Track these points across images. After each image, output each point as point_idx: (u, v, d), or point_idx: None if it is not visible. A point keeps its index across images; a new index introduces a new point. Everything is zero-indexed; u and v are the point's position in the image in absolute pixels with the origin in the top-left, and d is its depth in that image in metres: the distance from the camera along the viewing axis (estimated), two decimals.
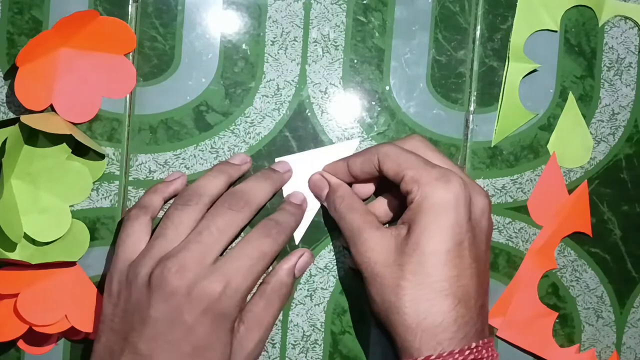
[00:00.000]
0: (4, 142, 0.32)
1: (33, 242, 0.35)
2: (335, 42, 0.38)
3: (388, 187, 0.35)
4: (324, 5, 0.38)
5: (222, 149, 0.37)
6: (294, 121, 0.38)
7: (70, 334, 0.36)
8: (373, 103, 0.38)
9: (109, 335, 0.32)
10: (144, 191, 0.37)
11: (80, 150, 0.36)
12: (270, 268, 0.36)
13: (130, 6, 0.37)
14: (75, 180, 0.35)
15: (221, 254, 0.32)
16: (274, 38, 0.37)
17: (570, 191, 0.39)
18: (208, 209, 0.34)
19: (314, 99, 0.38)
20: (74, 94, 0.35)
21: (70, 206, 0.36)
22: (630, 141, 0.40)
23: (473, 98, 0.39)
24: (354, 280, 0.38)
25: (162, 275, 0.30)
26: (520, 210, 0.39)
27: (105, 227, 0.37)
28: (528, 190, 0.39)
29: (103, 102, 0.36)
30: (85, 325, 0.35)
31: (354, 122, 0.38)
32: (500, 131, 0.39)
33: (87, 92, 0.36)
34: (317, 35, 0.38)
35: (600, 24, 0.39)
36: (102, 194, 0.37)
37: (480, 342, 0.30)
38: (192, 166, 0.37)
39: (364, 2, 0.38)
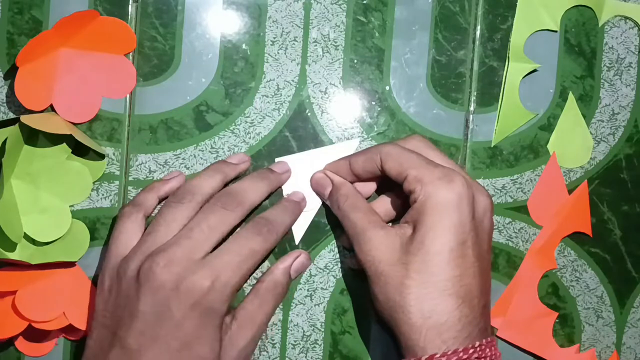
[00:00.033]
0: (4, 142, 0.32)
1: (33, 242, 0.35)
2: (335, 42, 0.38)
3: (389, 186, 0.35)
4: (324, 5, 0.38)
5: (222, 149, 0.37)
6: (294, 121, 0.38)
7: (69, 332, 0.36)
8: (373, 103, 0.38)
9: (100, 330, 0.32)
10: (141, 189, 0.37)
11: (80, 150, 0.36)
12: (267, 266, 0.36)
13: (130, 6, 0.37)
14: (75, 180, 0.35)
15: (212, 251, 0.33)
16: (274, 38, 0.37)
17: (570, 191, 0.39)
18: (201, 208, 0.34)
19: (314, 99, 0.38)
20: (74, 94, 0.35)
21: (70, 206, 0.36)
22: (630, 141, 0.40)
23: (473, 98, 0.39)
24: (354, 280, 0.38)
25: (151, 269, 0.31)
26: (520, 210, 0.39)
27: (105, 227, 0.37)
28: (528, 190, 0.39)
29: (103, 102, 0.36)
30: (84, 322, 0.35)
31: (354, 122, 0.38)
32: (500, 131, 0.39)
33: (87, 92, 0.36)
34: (317, 35, 0.38)
35: (600, 24, 0.39)
36: (102, 194, 0.37)
37: (484, 341, 0.30)
38: (192, 166, 0.37)
39: (364, 2, 0.38)
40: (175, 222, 0.33)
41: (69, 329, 0.36)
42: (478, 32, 0.39)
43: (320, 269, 0.38)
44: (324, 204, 0.37)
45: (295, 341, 0.38)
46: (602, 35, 0.40)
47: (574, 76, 0.39)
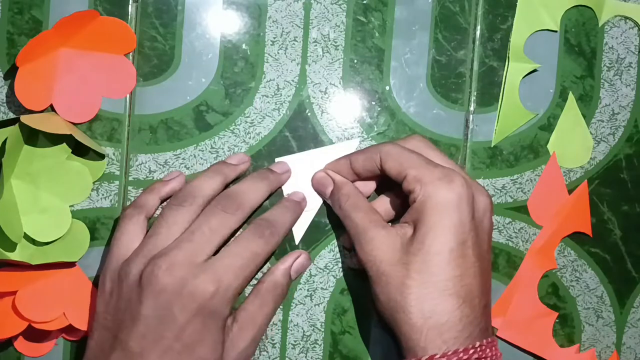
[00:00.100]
0: (4, 142, 0.32)
1: (33, 242, 0.35)
2: (335, 42, 0.38)
3: (389, 185, 0.35)
4: (324, 5, 0.38)
5: (222, 149, 0.37)
6: (294, 121, 0.38)
7: (69, 332, 0.36)
8: (373, 103, 0.38)
9: (101, 333, 0.32)
10: (142, 191, 0.37)
11: (80, 150, 0.36)
12: (268, 267, 0.36)
13: (130, 6, 0.37)
14: (75, 180, 0.35)
15: (214, 254, 0.33)
16: (274, 38, 0.37)
17: (570, 191, 0.39)
18: (203, 210, 0.34)
19: (314, 99, 0.38)
20: (74, 94, 0.35)
21: (70, 206, 0.36)
22: (630, 141, 0.40)
23: (473, 98, 0.39)
24: (354, 280, 0.38)
25: (153, 273, 0.30)
26: (520, 210, 0.39)
27: (105, 227, 0.37)
28: (528, 190, 0.39)
29: (103, 102, 0.36)
30: (84, 323, 0.35)
31: (354, 122, 0.38)
32: (500, 131, 0.39)
33: (87, 92, 0.36)
34: (317, 35, 0.38)
35: (600, 24, 0.39)
36: (102, 194, 0.37)
37: (485, 341, 0.30)
38: (192, 166, 0.37)
39: (364, 2, 0.38)
40: (176, 225, 0.33)
41: (69, 329, 0.36)
42: (478, 32, 0.39)
43: (320, 269, 0.38)
44: (324, 203, 0.37)
45: (295, 341, 0.38)
46: (602, 35, 0.40)
47: (574, 76, 0.39)
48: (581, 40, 0.39)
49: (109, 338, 0.31)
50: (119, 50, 0.36)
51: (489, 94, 0.39)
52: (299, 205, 0.36)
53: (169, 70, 0.37)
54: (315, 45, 0.38)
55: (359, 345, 0.38)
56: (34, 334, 0.36)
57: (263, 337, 0.37)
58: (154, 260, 0.31)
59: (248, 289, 0.36)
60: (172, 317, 0.30)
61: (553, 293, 0.40)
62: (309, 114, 0.38)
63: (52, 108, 0.35)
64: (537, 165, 0.39)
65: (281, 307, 0.37)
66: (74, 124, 0.36)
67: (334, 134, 0.38)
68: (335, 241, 0.38)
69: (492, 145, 0.39)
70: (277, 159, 0.37)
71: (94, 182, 0.36)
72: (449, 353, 0.29)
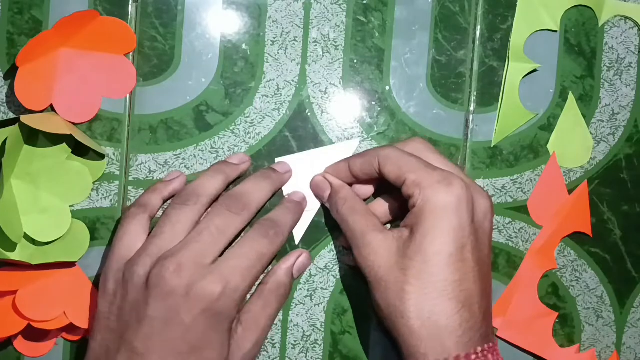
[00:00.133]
0: (4, 142, 0.32)
1: (33, 242, 0.35)
2: (335, 42, 0.38)
3: (388, 187, 0.35)
4: (324, 5, 0.38)
5: (222, 149, 0.37)
6: (294, 121, 0.38)
7: (69, 332, 0.36)
8: (373, 103, 0.38)
9: (105, 334, 0.32)
10: (144, 191, 0.37)
11: (80, 150, 0.36)
12: (270, 267, 0.36)
13: (130, 6, 0.37)
14: (75, 180, 0.35)
15: (220, 255, 0.32)
16: (274, 38, 0.37)
17: (570, 191, 0.39)
18: (206, 209, 0.34)
19: (314, 99, 0.38)
20: (74, 94, 0.35)
21: (70, 206, 0.36)
22: (630, 141, 0.40)
23: (473, 98, 0.39)
24: (354, 280, 0.38)
25: (160, 274, 0.30)
26: (520, 210, 0.39)
27: (105, 227, 0.37)
28: (528, 190, 0.39)
29: (103, 102, 0.36)
30: (84, 322, 0.35)
31: (354, 122, 0.38)
32: (500, 131, 0.39)
33: (87, 92, 0.36)
34: (317, 35, 0.38)
35: (600, 24, 0.39)
36: (102, 194, 0.37)
37: (486, 346, 0.30)
38: (192, 166, 0.37)
39: (364, 2, 0.38)
40: (180, 225, 0.32)
41: (69, 329, 0.36)
42: (478, 32, 0.39)
43: (320, 269, 0.38)
44: (323, 205, 0.37)
45: (295, 341, 0.38)
46: (602, 35, 0.40)
47: (574, 76, 0.39)
48: (581, 40, 0.39)
49: (114, 339, 0.31)
50: (119, 50, 0.36)
51: (489, 94, 0.39)
52: (300, 205, 0.36)
53: (169, 70, 0.37)
54: (315, 45, 0.38)
55: (359, 345, 0.38)
56: (33, 334, 0.36)
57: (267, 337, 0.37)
58: (161, 262, 0.31)
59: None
60: (178, 318, 0.30)
61: (553, 293, 0.40)
62: (309, 114, 0.38)
63: (52, 108, 0.35)
64: (537, 165, 0.39)
65: None
66: (74, 124, 0.36)
67: (334, 134, 0.38)
68: (335, 241, 0.38)
69: (492, 145, 0.39)
70: (277, 159, 0.37)
71: (94, 182, 0.36)
72: (450, 359, 0.29)
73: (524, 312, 0.39)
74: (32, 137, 0.34)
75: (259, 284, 0.35)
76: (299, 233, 0.37)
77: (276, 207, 0.36)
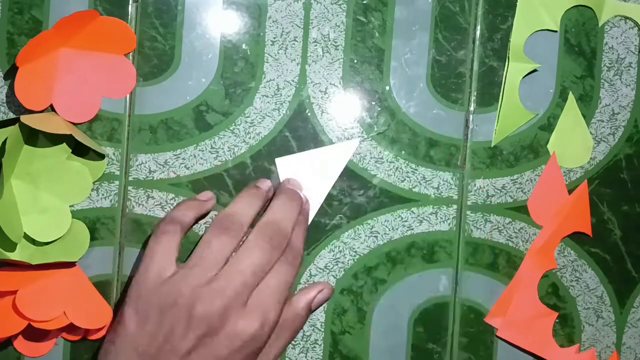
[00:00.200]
0: (4, 142, 0.32)
1: (33, 242, 0.35)
2: (335, 42, 0.38)
3: None
4: (324, 5, 0.38)
5: (222, 149, 0.37)
6: (294, 121, 0.38)
7: (69, 332, 0.36)
8: (373, 103, 0.38)
9: (130, 354, 0.31)
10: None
11: (80, 150, 0.36)
12: None
13: (130, 6, 0.37)
14: (75, 180, 0.35)
15: None
16: (274, 38, 0.37)
17: (570, 191, 0.39)
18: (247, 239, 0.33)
19: (314, 99, 0.38)
20: (74, 94, 0.35)
21: (70, 206, 0.36)
22: (630, 141, 0.40)
23: (473, 98, 0.39)
24: (354, 280, 0.38)
25: (205, 312, 0.30)
26: (520, 210, 0.39)
27: (105, 227, 0.37)
28: (528, 190, 0.39)
29: (103, 102, 0.36)
30: (84, 322, 0.35)
31: (354, 122, 0.38)
32: (500, 131, 0.39)
33: (87, 92, 0.36)
34: (317, 35, 0.38)
35: (600, 24, 0.39)
36: (102, 194, 0.37)
37: None
38: (192, 166, 0.37)
39: (364, 2, 0.38)
40: (222, 255, 0.32)
41: (69, 329, 0.36)
42: (478, 32, 0.39)
43: (320, 269, 0.38)
44: (324, 203, 0.37)
45: (295, 341, 0.38)
46: (602, 35, 0.40)
47: (574, 76, 0.39)
48: (581, 40, 0.39)
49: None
50: (119, 50, 0.36)
51: (489, 94, 0.39)
52: (307, 216, 0.36)
53: (169, 70, 0.37)
54: (315, 45, 0.38)
55: (359, 345, 0.38)
56: (33, 334, 0.36)
57: None
58: (206, 297, 0.31)
59: None
60: (216, 354, 0.30)
61: (553, 293, 0.40)
62: (309, 114, 0.38)
63: (52, 108, 0.35)
64: (537, 165, 0.39)
65: None
66: (74, 124, 0.36)
67: (334, 134, 0.38)
68: (335, 241, 0.38)
69: (492, 145, 0.39)
70: (277, 159, 0.37)
71: (94, 182, 0.37)
72: None
73: (524, 312, 0.39)
74: (32, 137, 0.34)
75: None
76: None
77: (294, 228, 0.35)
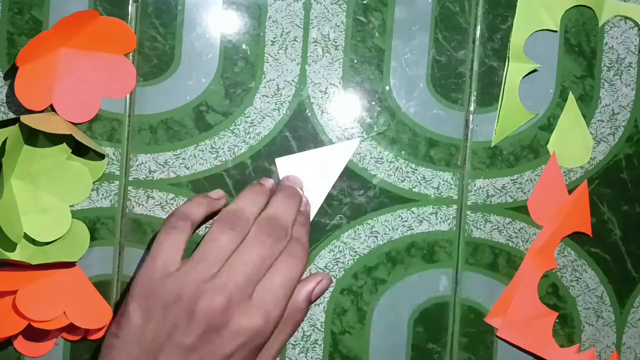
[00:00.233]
0: (4, 142, 0.32)
1: (33, 242, 0.35)
2: (335, 42, 0.38)
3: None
4: (324, 5, 0.38)
5: (222, 149, 0.37)
6: (294, 121, 0.38)
7: (69, 332, 0.36)
8: (373, 103, 0.38)
9: (134, 349, 0.31)
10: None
11: (80, 150, 0.36)
12: None
13: (130, 6, 0.37)
14: (75, 180, 0.35)
15: None
16: (274, 38, 0.37)
17: (570, 191, 0.39)
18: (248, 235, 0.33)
19: (314, 99, 0.38)
20: (74, 94, 0.35)
21: (70, 206, 0.36)
22: (630, 141, 0.40)
23: (473, 98, 0.39)
24: (354, 280, 0.38)
25: (208, 307, 0.30)
26: (520, 210, 0.39)
27: (105, 227, 0.37)
28: (528, 190, 0.39)
29: (103, 102, 0.36)
30: (84, 322, 0.35)
31: (354, 122, 0.38)
32: (500, 131, 0.39)
33: (87, 92, 0.36)
34: (317, 35, 0.38)
35: (600, 24, 0.39)
36: (102, 194, 0.37)
37: None
38: (192, 166, 0.37)
39: (364, 2, 0.38)
40: (226, 250, 0.32)
41: (69, 329, 0.36)
42: (478, 32, 0.39)
43: (320, 269, 0.38)
44: (323, 204, 0.37)
45: (295, 341, 0.38)
46: (602, 35, 0.40)
47: (574, 76, 0.39)
48: (581, 40, 0.39)
49: (146, 356, 0.31)
50: (119, 50, 0.36)
51: (489, 94, 0.39)
52: (309, 215, 0.36)
53: (169, 70, 0.37)
54: (315, 45, 0.38)
55: (359, 345, 0.38)
56: (33, 334, 0.36)
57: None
58: (209, 292, 0.30)
59: None
60: (218, 350, 0.30)
61: (553, 293, 0.40)
62: (309, 114, 0.38)
63: (52, 108, 0.35)
64: (537, 165, 0.39)
65: None
66: (74, 124, 0.36)
67: (334, 134, 0.38)
68: (335, 241, 0.38)
69: (492, 145, 0.39)
70: (277, 159, 0.37)
71: (94, 182, 0.37)
72: None
73: (524, 312, 0.39)
74: (32, 137, 0.34)
75: None
76: None
77: (296, 224, 0.35)
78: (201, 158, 0.37)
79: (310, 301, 0.35)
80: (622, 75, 0.40)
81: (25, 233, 0.34)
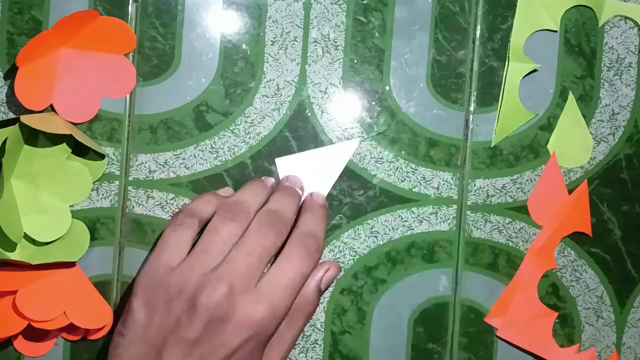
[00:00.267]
0: (4, 142, 0.32)
1: (33, 242, 0.35)
2: (335, 42, 0.38)
3: None
4: (324, 5, 0.38)
5: (222, 149, 0.37)
6: (294, 121, 0.38)
7: (69, 332, 0.36)
8: (373, 103, 0.38)
9: (140, 346, 0.30)
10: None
11: (80, 150, 0.36)
12: None
13: (130, 6, 0.37)
14: (75, 180, 0.35)
15: None
16: (274, 38, 0.37)
17: (570, 191, 0.39)
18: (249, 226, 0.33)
19: (314, 99, 0.38)
20: (74, 94, 0.35)
21: (70, 206, 0.36)
22: (630, 141, 0.40)
23: (473, 98, 0.39)
24: (354, 280, 0.38)
25: (211, 297, 0.30)
26: (520, 210, 0.39)
27: (105, 227, 0.37)
28: (528, 190, 0.39)
29: (103, 102, 0.36)
30: (84, 322, 0.35)
31: (354, 122, 0.38)
32: (500, 131, 0.39)
33: (87, 92, 0.36)
34: (317, 35, 0.38)
35: (600, 24, 0.39)
36: (102, 194, 0.37)
37: None
38: (192, 166, 0.37)
39: (364, 2, 0.38)
40: (229, 241, 0.32)
41: (69, 329, 0.36)
42: (478, 32, 0.39)
43: None
44: None
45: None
46: (602, 35, 0.40)
47: (574, 76, 0.39)
48: (581, 40, 0.39)
49: (150, 353, 0.30)
50: (119, 50, 0.36)
51: (489, 94, 0.39)
52: (326, 208, 0.36)
53: (169, 70, 0.37)
54: (315, 45, 0.38)
55: (359, 345, 0.38)
56: (33, 334, 0.36)
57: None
58: (211, 283, 0.30)
59: None
60: (223, 341, 0.30)
61: (553, 293, 0.40)
62: (309, 114, 0.38)
63: (52, 108, 0.35)
64: (537, 165, 0.39)
65: None
66: (74, 124, 0.36)
67: (334, 134, 0.38)
68: (335, 241, 0.38)
69: (492, 145, 0.39)
70: (277, 159, 0.37)
71: (94, 182, 0.37)
72: None
73: (524, 312, 0.39)
74: (32, 137, 0.34)
75: None
76: None
77: (305, 214, 0.34)
78: (201, 158, 0.37)
79: (321, 291, 0.34)
80: (622, 75, 0.40)
81: (25, 233, 0.34)
